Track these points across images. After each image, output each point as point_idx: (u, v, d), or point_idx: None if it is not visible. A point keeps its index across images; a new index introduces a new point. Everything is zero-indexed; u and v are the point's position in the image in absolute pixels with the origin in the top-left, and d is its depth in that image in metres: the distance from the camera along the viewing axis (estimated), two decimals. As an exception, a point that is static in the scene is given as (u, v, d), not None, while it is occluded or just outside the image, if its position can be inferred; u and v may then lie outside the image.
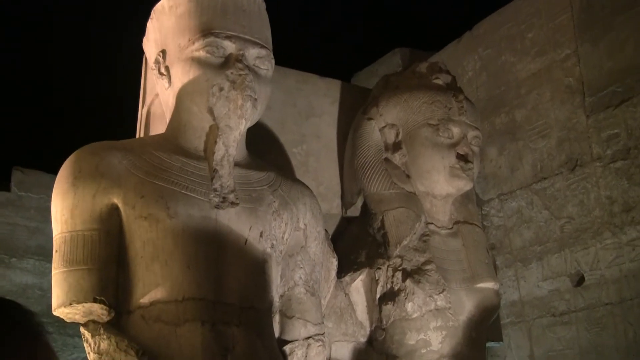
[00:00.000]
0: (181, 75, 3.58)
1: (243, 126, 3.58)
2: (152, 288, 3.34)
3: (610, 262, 4.59)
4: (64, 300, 3.26)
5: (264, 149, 4.23)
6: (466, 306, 4.28)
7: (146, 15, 3.84)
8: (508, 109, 5.27)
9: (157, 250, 3.37)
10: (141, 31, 3.90)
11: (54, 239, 3.37)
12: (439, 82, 4.49)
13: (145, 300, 3.33)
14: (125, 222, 3.40)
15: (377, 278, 4.19)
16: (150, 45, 3.83)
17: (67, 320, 3.38)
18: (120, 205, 3.39)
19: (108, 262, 3.33)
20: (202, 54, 3.53)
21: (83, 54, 9.00)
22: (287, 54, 4.42)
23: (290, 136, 4.54)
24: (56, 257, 3.32)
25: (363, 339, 4.26)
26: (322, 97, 4.73)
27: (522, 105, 5.19)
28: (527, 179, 5.09)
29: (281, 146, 4.47)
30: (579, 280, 4.77)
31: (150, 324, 3.31)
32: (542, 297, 4.94)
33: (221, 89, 3.50)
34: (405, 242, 4.22)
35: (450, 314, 4.18)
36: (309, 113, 4.65)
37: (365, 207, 4.46)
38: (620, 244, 4.55)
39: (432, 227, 4.38)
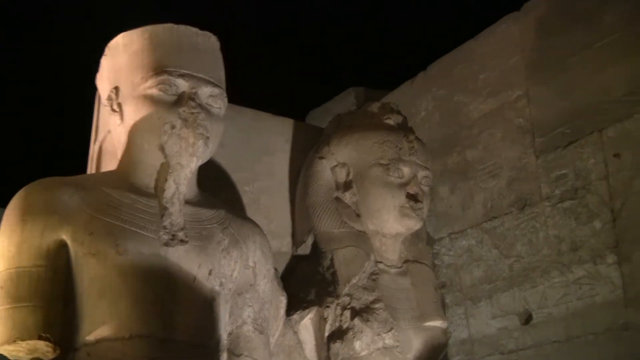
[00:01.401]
0: (133, 113, 3.60)
1: (194, 164, 3.59)
2: (98, 325, 3.32)
3: (557, 300, 4.63)
4: (8, 337, 3.21)
5: (216, 186, 4.23)
6: (414, 345, 4.29)
7: (100, 51, 3.85)
8: (460, 149, 5.31)
9: (104, 287, 3.35)
10: (95, 67, 3.90)
11: (0, 275, 3.34)
12: (391, 122, 4.54)
13: (91, 337, 3.31)
14: (73, 259, 3.39)
15: (325, 316, 4.19)
16: (103, 82, 3.83)
17: (11, 359, 3.34)
18: (69, 241, 3.38)
19: (54, 299, 3.29)
20: (154, 91, 3.55)
21: (32, 88, 8.92)
22: (242, 92, 4.44)
23: (243, 174, 4.55)
24: (1, 294, 3.28)
25: (312, 377, 4.26)
26: (276, 135, 4.76)
27: (474, 145, 5.24)
28: (478, 218, 5.13)
29: (233, 184, 4.48)
30: (527, 319, 4.80)
31: (96, 362, 3.29)
32: (491, 336, 4.96)
33: (173, 127, 3.51)
34: (354, 281, 4.24)
35: (398, 352, 4.20)
36: (262, 151, 4.67)
37: (315, 246, 4.48)
38: (567, 283, 4.59)
39: (381, 265, 4.40)
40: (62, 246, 3.38)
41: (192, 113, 3.52)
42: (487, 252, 5.03)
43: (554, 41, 4.86)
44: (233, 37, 4.54)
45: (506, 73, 5.14)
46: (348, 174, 4.49)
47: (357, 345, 4.13)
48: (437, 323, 4.41)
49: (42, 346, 3.25)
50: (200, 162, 3.65)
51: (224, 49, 3.85)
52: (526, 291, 4.79)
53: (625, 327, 4.30)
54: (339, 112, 5.00)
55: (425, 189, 4.45)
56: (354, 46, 8.62)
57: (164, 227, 3.49)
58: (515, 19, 5.13)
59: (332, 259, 4.31)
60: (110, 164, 3.89)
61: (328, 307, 4.20)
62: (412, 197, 4.35)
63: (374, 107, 4.65)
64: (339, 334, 4.18)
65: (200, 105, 3.57)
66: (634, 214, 4.34)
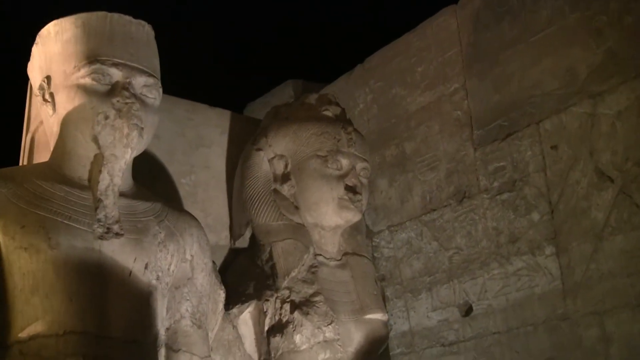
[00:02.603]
0: (66, 103, 3.51)
1: (129, 155, 3.51)
2: (31, 322, 3.23)
3: (497, 292, 4.65)
4: None
5: (152, 179, 4.16)
6: (355, 338, 4.28)
7: (31, 40, 3.75)
8: (398, 141, 5.31)
9: (37, 282, 3.26)
10: (26, 56, 3.80)
11: None
12: (328, 113, 4.51)
13: (24, 334, 3.21)
14: (4, 254, 3.29)
15: (265, 310, 4.15)
16: (34, 71, 3.74)
17: None
18: None
19: None
20: (87, 81, 3.47)
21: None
22: (178, 83, 4.38)
23: (179, 166, 4.48)
24: None
25: (251, 372, 4.22)
26: (212, 127, 4.70)
27: (412, 137, 5.24)
28: (417, 210, 5.14)
29: (169, 176, 4.42)
30: (467, 310, 4.82)
31: (29, 359, 3.19)
32: (431, 328, 4.97)
33: (107, 117, 3.43)
34: (293, 274, 4.21)
35: (338, 345, 4.17)
36: (199, 143, 4.62)
37: (253, 239, 4.42)
38: (506, 274, 4.62)
39: (320, 258, 4.38)
40: None
41: (126, 103, 3.45)
42: (426, 245, 5.04)
43: (490, 34, 4.90)
44: (169, 26, 4.48)
45: (443, 66, 5.16)
46: (286, 166, 4.45)
47: (298, 338, 4.10)
48: (378, 316, 4.40)
49: (-29, 343, 3.16)
50: (134, 154, 3.57)
51: (159, 38, 3.77)
52: (466, 283, 4.81)
53: (564, 318, 4.34)
54: (276, 104, 4.95)
55: (364, 180, 4.43)
56: (292, 39, 8.60)
57: (99, 220, 3.41)
58: (453, 12, 5.15)
59: (270, 252, 4.27)
60: (42, 156, 3.80)
61: (267, 300, 4.16)
62: (351, 189, 4.33)
63: (312, 98, 4.61)
64: (278, 328, 4.14)
65: (134, 95, 3.50)
66: (571, 206, 4.38)
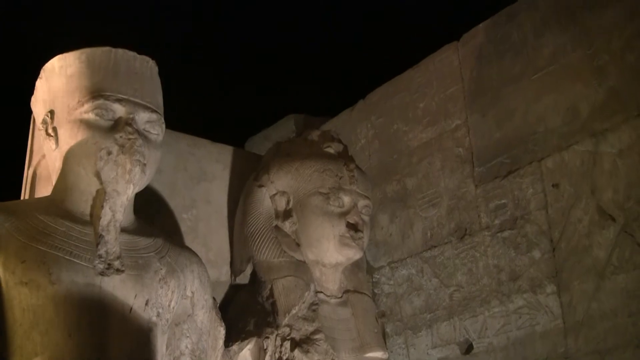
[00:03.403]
0: (69, 137, 3.52)
1: (131, 191, 3.51)
2: (30, 357, 3.21)
3: (498, 330, 4.63)
4: None
5: (153, 213, 4.17)
6: (355, 375, 4.26)
7: (36, 73, 3.76)
8: (399, 177, 5.31)
9: (37, 317, 3.25)
10: (30, 89, 3.81)
11: None
12: (331, 150, 4.52)
13: None
14: (4, 288, 3.28)
15: (265, 347, 4.12)
16: (38, 105, 3.75)
17: None
18: None
19: None
20: (91, 116, 3.48)
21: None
22: (179, 118, 4.38)
23: (180, 201, 4.48)
24: None
25: (251, 409, 4.19)
26: (214, 162, 4.71)
27: (414, 173, 5.24)
28: (418, 246, 5.13)
29: (171, 211, 4.41)
30: (468, 348, 4.79)
31: (28, 394, 3.18)
32: (431, 365, 4.95)
33: (109, 153, 3.44)
34: (294, 311, 4.19)
35: (339, 383, 4.17)
36: (200, 178, 4.62)
37: (254, 275, 4.41)
38: (507, 312, 4.60)
39: (321, 296, 4.36)
40: None
41: (129, 139, 3.46)
42: (427, 282, 5.02)
43: (492, 71, 4.91)
44: (171, 62, 4.49)
45: (445, 102, 5.17)
46: (288, 203, 4.44)
47: (298, 376, 4.09)
48: (378, 354, 4.37)
49: (-30, 380, 3.14)
50: (137, 189, 3.57)
51: (162, 74, 3.79)
52: (466, 320, 4.78)
53: (565, 356, 4.32)
54: (278, 139, 4.97)
55: (366, 218, 4.43)
56: (294, 73, 8.62)
57: (100, 256, 3.40)
58: (455, 49, 5.17)
59: (271, 289, 4.25)
60: (44, 190, 3.80)
61: (267, 337, 4.14)
62: (352, 227, 4.33)
63: (314, 134, 4.62)
64: (279, 366, 4.13)
65: (137, 131, 3.50)
66: (573, 244, 4.37)
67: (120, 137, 3.45)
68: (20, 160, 4.15)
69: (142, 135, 3.51)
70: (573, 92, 4.47)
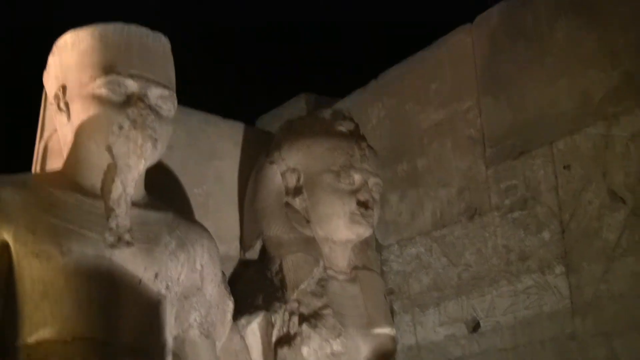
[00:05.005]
0: (81, 112, 3.53)
1: (142, 166, 3.53)
2: (40, 327, 3.24)
3: (505, 309, 4.65)
4: None
5: (164, 189, 4.17)
6: (362, 351, 4.27)
7: (48, 49, 3.78)
8: (410, 157, 5.32)
9: (47, 288, 3.27)
10: (42, 64, 3.83)
11: None
12: (342, 129, 4.51)
13: (32, 339, 3.22)
14: (15, 260, 3.30)
15: (273, 321, 4.15)
16: (50, 80, 3.76)
17: None
18: (10, 242, 3.30)
19: None
20: (103, 91, 3.48)
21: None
22: (191, 94, 4.39)
23: (191, 177, 4.49)
24: None
25: (258, 383, 4.22)
26: (225, 139, 4.71)
27: (424, 154, 5.25)
28: (427, 226, 5.14)
29: (181, 187, 4.42)
30: (475, 327, 4.82)
31: (37, 365, 3.21)
32: (438, 343, 4.98)
33: (121, 128, 3.45)
34: (302, 287, 4.20)
35: (345, 359, 4.18)
36: (212, 155, 4.62)
37: (263, 251, 4.42)
38: (515, 292, 4.62)
39: (330, 272, 4.37)
40: (4, 246, 3.29)
41: (141, 114, 3.46)
42: (435, 260, 5.04)
43: (505, 53, 4.91)
44: (184, 38, 4.49)
45: (458, 84, 5.17)
46: (298, 180, 4.45)
47: (305, 351, 4.09)
48: (386, 330, 4.39)
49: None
50: (148, 164, 3.58)
51: (174, 50, 3.79)
52: (474, 300, 4.81)
53: (572, 337, 4.34)
54: (289, 118, 4.97)
55: (376, 196, 4.43)
56: (306, 52, 8.61)
57: (110, 229, 3.42)
58: (468, 31, 5.17)
59: (280, 265, 4.27)
60: (55, 164, 3.80)
61: (276, 312, 4.15)
62: (363, 204, 4.33)
63: (326, 113, 4.62)
64: (286, 340, 4.13)
65: (149, 107, 3.51)
66: (582, 226, 4.39)
67: (133, 112, 3.45)
68: (32, 134, 4.17)
69: (154, 110, 3.51)
70: (586, 76, 4.48)
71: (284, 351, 4.13)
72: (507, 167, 4.78)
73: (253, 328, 4.19)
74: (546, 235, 4.52)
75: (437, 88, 5.29)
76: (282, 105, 6.10)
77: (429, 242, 5.11)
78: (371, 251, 4.67)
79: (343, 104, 5.50)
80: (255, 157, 4.65)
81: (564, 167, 4.52)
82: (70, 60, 3.62)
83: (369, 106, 5.64)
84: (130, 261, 3.43)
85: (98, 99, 3.49)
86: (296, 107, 5.87)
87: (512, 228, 4.69)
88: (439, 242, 5.04)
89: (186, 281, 3.67)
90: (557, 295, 4.43)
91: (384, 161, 5.02)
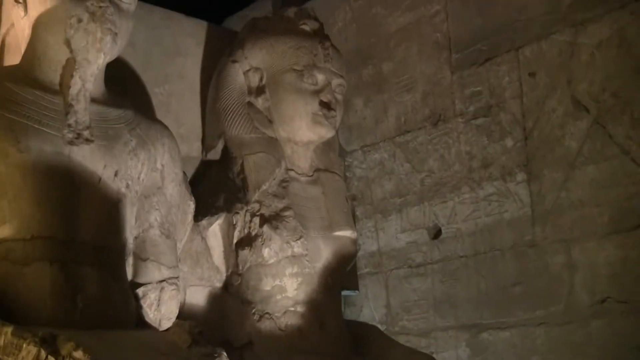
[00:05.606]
0: (38, 4, 3.42)
1: (102, 60, 3.44)
2: None
3: (467, 216, 4.68)
4: None
5: (125, 86, 4.10)
6: (323, 253, 4.28)
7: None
8: (376, 61, 5.28)
9: (5, 185, 3.22)
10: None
11: None
12: (306, 28, 4.44)
13: None
14: None
15: (234, 223, 4.14)
16: (6, -29, 3.64)
17: None
18: None
19: None
20: (60, -18, 3.38)
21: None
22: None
23: (153, 75, 4.41)
24: None
25: (219, 284, 4.21)
26: (188, 37, 4.62)
27: (390, 58, 5.20)
28: (391, 131, 5.13)
29: (143, 85, 4.34)
30: (436, 233, 4.86)
31: (-4, 262, 3.17)
32: (399, 249, 5.01)
33: (80, 21, 3.35)
34: (264, 187, 4.18)
35: (306, 260, 4.19)
36: (175, 53, 4.54)
37: (225, 151, 4.37)
38: (477, 199, 4.64)
39: (292, 173, 4.35)
40: None
41: (100, 7, 3.36)
42: (398, 166, 5.04)
43: (474, -44, 4.83)
44: None
45: (426, -14, 5.09)
46: (261, 79, 4.38)
47: (266, 252, 4.10)
48: (347, 233, 4.40)
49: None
50: (108, 59, 3.50)
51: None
52: (436, 206, 4.83)
53: (531, 244, 4.39)
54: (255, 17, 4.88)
55: (339, 97, 4.38)
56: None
57: (69, 125, 3.35)
58: None
59: (242, 165, 4.23)
60: (13, 59, 3.71)
61: (237, 213, 4.14)
62: (325, 105, 4.29)
63: (291, 12, 4.53)
64: (247, 241, 4.13)
65: None
66: (545, 134, 4.39)
67: (91, 4, 3.36)
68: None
69: (113, 3, 3.42)
70: (555, -19, 4.42)
71: (245, 252, 4.13)
72: (473, 73, 4.75)
73: (214, 229, 4.18)
74: (509, 142, 4.52)
75: (404, -9, 5.21)
76: (249, 7, 6.01)
77: (393, 148, 5.10)
78: (334, 154, 4.65)
79: (310, 5, 5.37)
80: (219, 55, 4.57)
81: (529, 74, 4.49)
82: (26, -49, 3.49)
83: (335, 8, 5.56)
84: (90, 158, 3.38)
85: None
86: (263, 8, 5.78)
87: (475, 135, 4.69)
88: (402, 148, 5.03)
89: (146, 180, 3.63)
90: (518, 203, 4.46)
91: (349, 65, 4.97)
